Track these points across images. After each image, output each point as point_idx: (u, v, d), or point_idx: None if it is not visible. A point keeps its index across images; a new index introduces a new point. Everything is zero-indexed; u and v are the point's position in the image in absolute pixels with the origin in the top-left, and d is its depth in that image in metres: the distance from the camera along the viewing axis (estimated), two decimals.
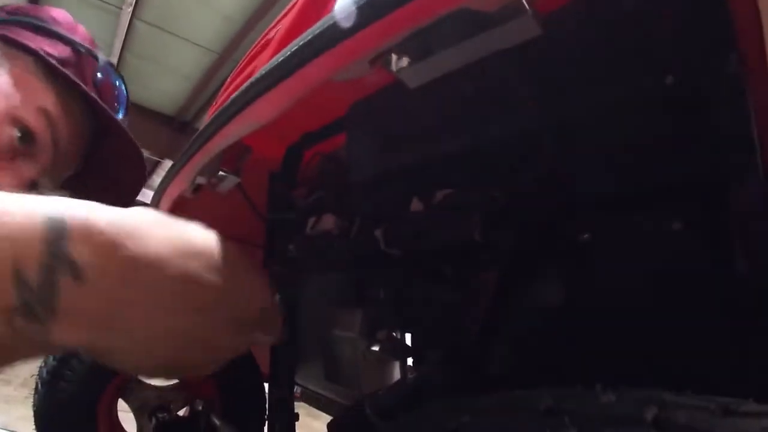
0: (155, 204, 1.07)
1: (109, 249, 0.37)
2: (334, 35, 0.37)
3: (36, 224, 0.35)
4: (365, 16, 0.34)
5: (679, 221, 0.55)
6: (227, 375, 1.47)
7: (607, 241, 0.56)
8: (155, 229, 0.39)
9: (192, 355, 0.41)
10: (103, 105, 0.81)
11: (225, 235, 0.43)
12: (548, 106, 0.42)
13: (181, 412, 1.60)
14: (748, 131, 0.38)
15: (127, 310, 0.37)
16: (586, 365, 0.60)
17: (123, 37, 4.89)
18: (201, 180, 0.94)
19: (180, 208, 1.06)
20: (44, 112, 0.74)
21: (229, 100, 0.59)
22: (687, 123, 0.44)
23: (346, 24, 0.35)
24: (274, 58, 0.44)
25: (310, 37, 0.39)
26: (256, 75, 0.49)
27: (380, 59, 0.36)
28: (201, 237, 0.41)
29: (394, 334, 0.86)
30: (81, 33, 0.87)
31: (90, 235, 0.36)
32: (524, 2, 0.32)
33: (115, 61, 5.24)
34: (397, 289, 0.78)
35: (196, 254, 0.40)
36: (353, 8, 0.34)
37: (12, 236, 0.34)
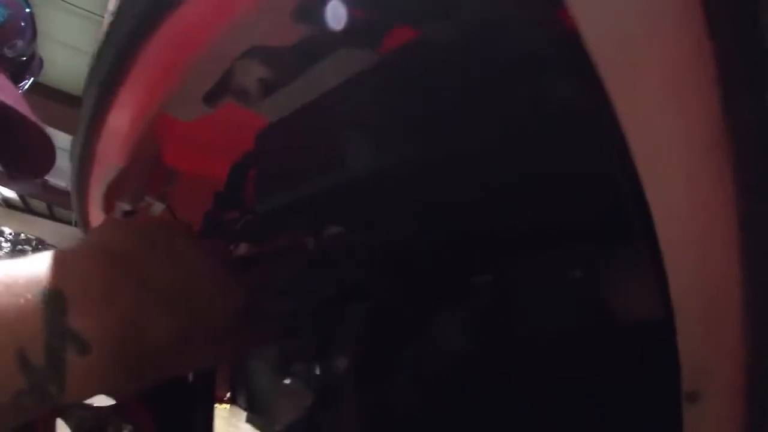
0: (83, 223, 1.02)
1: (109, 311, 0.35)
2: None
3: (36, 303, 0.33)
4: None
5: (580, 269, 0.53)
6: (159, 399, 1.42)
7: (506, 285, 0.54)
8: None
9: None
10: None
11: None
12: (416, 139, 0.40)
13: None
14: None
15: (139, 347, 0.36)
16: (490, 412, 0.57)
17: None
18: (127, 207, 0.91)
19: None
20: None
21: None
22: (568, 167, 0.42)
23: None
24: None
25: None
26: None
27: (220, 99, 0.33)
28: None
29: (310, 367, 0.83)
30: None
31: (90, 306, 0.34)
32: None
33: None
34: (310, 321, 0.75)
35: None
36: None
37: (10, 321, 0.32)
